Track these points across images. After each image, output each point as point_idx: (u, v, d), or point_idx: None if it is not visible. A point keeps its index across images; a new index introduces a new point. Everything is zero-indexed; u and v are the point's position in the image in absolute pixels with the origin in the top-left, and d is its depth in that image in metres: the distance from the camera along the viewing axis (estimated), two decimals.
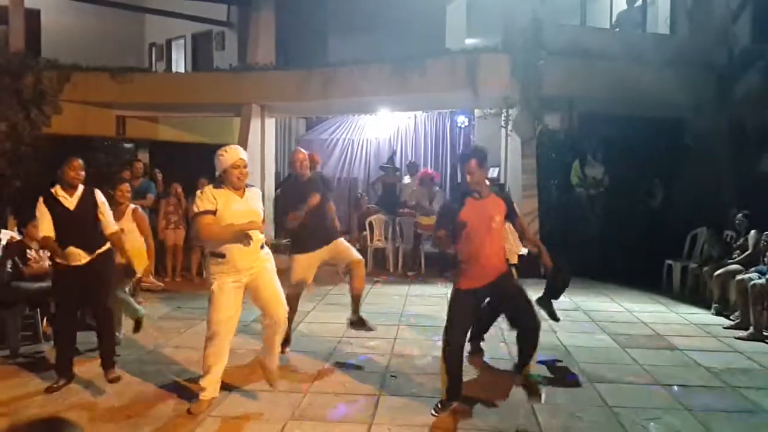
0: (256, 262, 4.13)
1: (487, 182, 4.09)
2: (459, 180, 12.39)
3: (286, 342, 5.24)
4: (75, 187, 4.55)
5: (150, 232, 5.76)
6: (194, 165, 9.89)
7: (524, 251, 5.37)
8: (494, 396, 4.48)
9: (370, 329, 5.53)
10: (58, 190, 4.51)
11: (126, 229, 5.42)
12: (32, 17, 12.75)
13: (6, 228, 6.46)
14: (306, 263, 5.22)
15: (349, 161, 13.38)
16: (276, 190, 12.67)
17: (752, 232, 7.01)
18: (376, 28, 11.46)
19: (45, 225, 4.40)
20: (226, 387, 4.51)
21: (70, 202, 4.50)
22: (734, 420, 4.16)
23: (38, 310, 5.59)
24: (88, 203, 4.55)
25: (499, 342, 5.87)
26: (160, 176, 9.84)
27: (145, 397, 4.39)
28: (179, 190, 8.96)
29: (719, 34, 10.11)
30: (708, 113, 9.69)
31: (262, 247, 4.18)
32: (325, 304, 7.41)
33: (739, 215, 7.44)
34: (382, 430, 3.88)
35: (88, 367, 4.94)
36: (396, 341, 5.85)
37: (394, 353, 5.47)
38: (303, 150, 5.58)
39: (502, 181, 11.44)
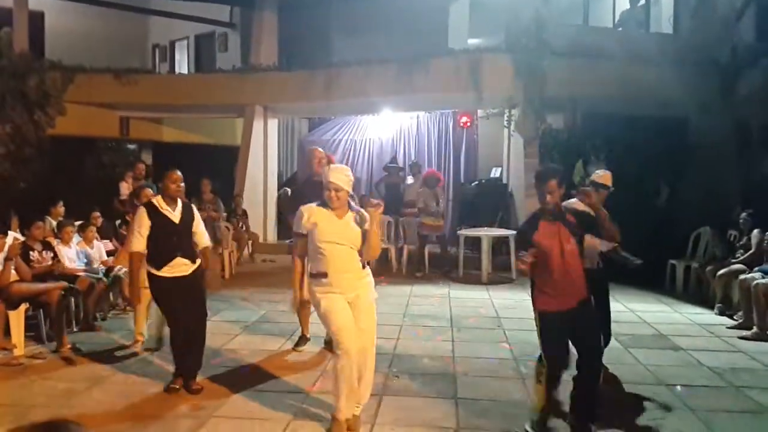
0: (361, 282, 3.85)
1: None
2: (462, 181, 12.39)
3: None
4: (176, 200, 4.53)
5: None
6: (198, 166, 9.92)
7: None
8: (498, 396, 4.48)
9: None
10: (160, 203, 4.50)
11: None
12: (36, 19, 12.80)
13: (10, 229, 6.48)
14: None
15: (352, 162, 13.37)
16: (280, 189, 12.69)
17: (756, 231, 6.98)
18: (379, 28, 11.48)
19: (140, 238, 4.41)
20: (229, 387, 4.53)
21: (174, 215, 4.50)
22: (738, 420, 4.15)
23: (41, 310, 5.62)
24: (188, 216, 4.57)
25: (501, 342, 5.87)
26: (143, 174, 9.82)
27: (149, 397, 4.39)
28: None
29: (723, 32, 10.08)
30: (712, 112, 9.66)
31: (363, 266, 3.88)
32: None
33: (743, 214, 7.41)
34: (384, 431, 3.88)
35: (92, 368, 4.96)
36: (399, 341, 5.85)
37: (397, 353, 5.47)
38: (320, 149, 5.54)
39: (504, 181, 11.46)
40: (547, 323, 3.74)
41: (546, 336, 3.75)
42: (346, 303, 3.77)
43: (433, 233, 9.63)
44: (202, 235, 4.68)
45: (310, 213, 3.79)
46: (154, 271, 4.46)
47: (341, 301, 3.75)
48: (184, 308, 4.47)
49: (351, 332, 3.72)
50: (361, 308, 3.81)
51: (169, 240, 4.45)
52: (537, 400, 3.91)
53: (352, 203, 3.87)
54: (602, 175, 4.90)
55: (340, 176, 3.75)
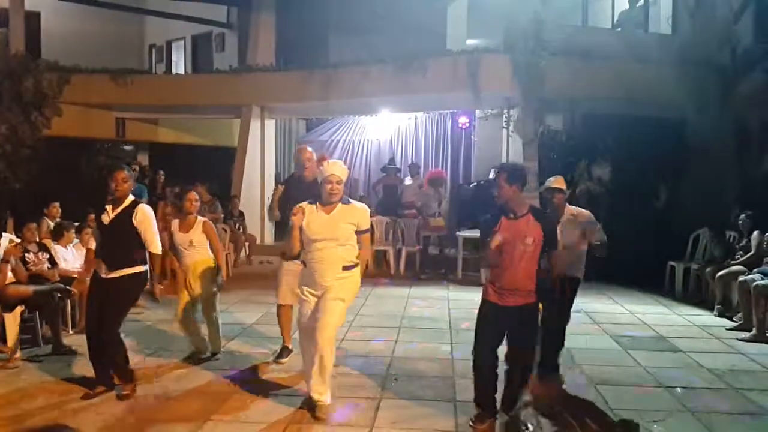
0: (334, 280, 4.02)
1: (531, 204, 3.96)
2: (461, 182, 12.38)
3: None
4: (121, 202, 4.41)
5: (221, 246, 5.43)
6: (194, 167, 9.87)
7: None
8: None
9: None
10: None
11: (195, 241, 5.16)
12: (32, 19, 12.77)
13: (5, 231, 6.44)
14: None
15: (350, 163, 13.34)
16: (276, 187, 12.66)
17: (755, 233, 6.97)
18: (377, 28, 11.44)
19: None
20: (226, 391, 4.49)
21: (106, 216, 4.42)
22: (737, 422, 4.13)
23: (37, 312, 5.57)
24: (123, 219, 4.41)
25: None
26: (162, 178, 9.82)
27: (145, 400, 4.35)
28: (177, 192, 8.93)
29: (721, 33, 10.06)
30: (711, 113, 9.64)
31: (345, 268, 4.03)
32: None
33: (742, 216, 7.39)
34: None
35: (89, 371, 4.92)
36: (397, 344, 5.81)
37: (395, 356, 5.43)
38: (309, 147, 5.45)
39: None
40: (483, 311, 3.93)
41: (479, 324, 3.95)
42: (311, 305, 4.05)
43: (434, 234, 9.58)
44: (148, 242, 4.43)
45: (303, 210, 4.05)
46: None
47: (308, 304, 4.07)
48: (94, 313, 4.40)
49: (304, 332, 4.11)
50: (321, 304, 3.99)
51: (100, 240, 4.50)
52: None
53: (345, 197, 4.10)
54: (555, 180, 4.91)
55: (340, 169, 4.05)
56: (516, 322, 3.84)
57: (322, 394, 4.04)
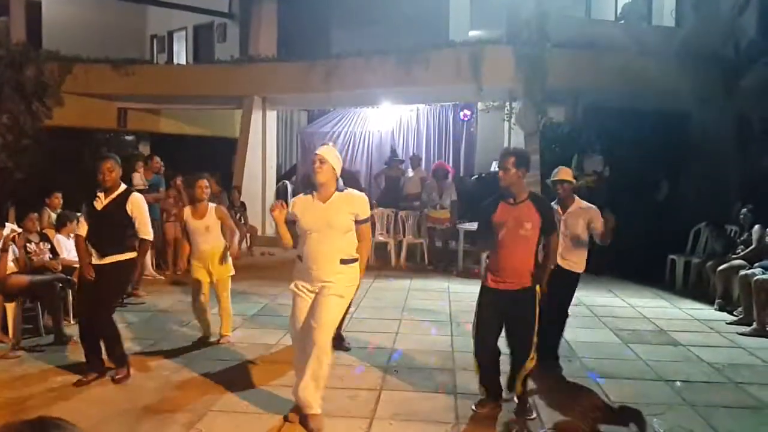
0: (332, 275, 3.71)
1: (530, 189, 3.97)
2: (462, 174, 12.35)
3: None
4: (113, 190, 4.50)
5: (235, 231, 5.59)
6: (196, 157, 9.84)
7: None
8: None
9: None
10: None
11: (210, 227, 5.32)
12: (33, 9, 12.72)
13: (7, 221, 6.44)
14: None
15: (351, 154, 13.33)
16: (279, 182, 12.64)
17: (756, 226, 6.96)
18: (380, 19, 11.41)
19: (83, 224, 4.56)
20: (226, 382, 4.51)
21: (99, 202, 4.49)
22: (737, 416, 4.13)
23: (39, 303, 5.59)
24: (115, 206, 4.49)
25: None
26: (162, 169, 9.80)
27: (146, 390, 4.37)
28: (179, 182, 8.93)
29: (725, 27, 10.02)
30: (713, 107, 9.62)
31: (343, 261, 3.75)
32: None
33: (744, 210, 7.39)
34: (383, 425, 3.86)
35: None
36: (398, 336, 5.83)
37: (396, 348, 5.44)
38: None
39: None
40: (482, 297, 3.93)
41: (478, 310, 3.95)
42: (307, 302, 3.78)
43: (437, 225, 9.55)
44: (141, 229, 4.53)
45: (295, 202, 3.89)
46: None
47: (305, 297, 3.78)
48: (86, 299, 4.49)
49: (296, 331, 3.84)
50: (318, 302, 3.71)
51: (91, 226, 4.49)
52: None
53: (341, 183, 3.84)
54: (560, 171, 4.93)
55: (327, 150, 3.81)
56: (513, 305, 3.86)
57: (312, 406, 3.70)
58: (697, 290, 7.84)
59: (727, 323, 6.45)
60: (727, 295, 7.00)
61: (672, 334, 6.08)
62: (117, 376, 4.48)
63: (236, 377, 4.61)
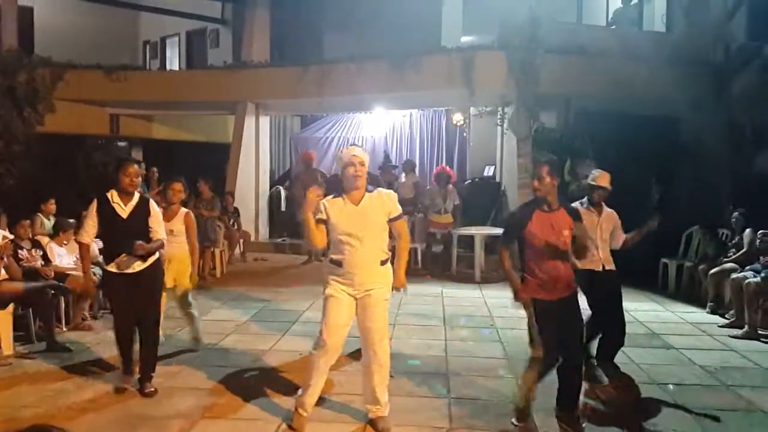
0: (376, 278, 3.73)
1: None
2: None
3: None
4: (131, 195, 4.43)
5: (196, 242, 5.50)
6: (188, 163, 9.81)
7: None
8: (491, 395, 4.46)
9: None
10: (113, 196, 4.39)
11: (176, 231, 5.27)
12: (25, 14, 12.68)
13: None
14: None
15: None
16: (273, 188, 12.62)
17: (747, 230, 7.01)
18: (372, 25, 11.44)
19: (87, 229, 4.42)
20: (220, 387, 4.49)
21: (123, 210, 4.39)
22: (729, 418, 4.14)
23: (31, 309, 5.55)
24: (140, 212, 4.43)
25: (494, 341, 5.86)
26: (156, 175, 9.76)
27: (139, 397, 4.35)
28: (154, 175, 8.89)
29: (715, 31, 10.11)
30: (704, 111, 9.68)
31: (383, 263, 3.77)
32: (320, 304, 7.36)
33: (735, 214, 7.44)
34: None
35: (82, 368, 4.91)
36: (392, 340, 5.80)
37: (390, 352, 5.42)
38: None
39: (497, 179, 11.46)
40: (539, 311, 3.80)
41: (541, 322, 3.79)
42: (350, 302, 3.73)
43: (439, 231, 9.49)
44: (156, 232, 4.49)
45: (326, 206, 3.71)
46: (105, 266, 4.51)
47: (345, 299, 3.72)
48: (131, 307, 4.43)
49: (338, 331, 3.72)
50: (371, 306, 3.72)
51: (115, 235, 4.40)
52: (524, 390, 3.91)
53: (368, 185, 3.77)
54: (600, 177, 5.00)
55: (363, 152, 3.70)
56: (564, 314, 3.78)
57: (385, 407, 3.86)
58: (690, 293, 7.87)
59: (719, 326, 6.49)
60: (719, 299, 7.03)
61: (664, 337, 6.11)
62: (149, 389, 4.40)
63: (230, 383, 4.59)
